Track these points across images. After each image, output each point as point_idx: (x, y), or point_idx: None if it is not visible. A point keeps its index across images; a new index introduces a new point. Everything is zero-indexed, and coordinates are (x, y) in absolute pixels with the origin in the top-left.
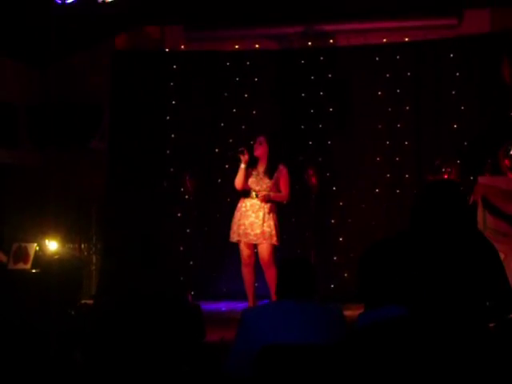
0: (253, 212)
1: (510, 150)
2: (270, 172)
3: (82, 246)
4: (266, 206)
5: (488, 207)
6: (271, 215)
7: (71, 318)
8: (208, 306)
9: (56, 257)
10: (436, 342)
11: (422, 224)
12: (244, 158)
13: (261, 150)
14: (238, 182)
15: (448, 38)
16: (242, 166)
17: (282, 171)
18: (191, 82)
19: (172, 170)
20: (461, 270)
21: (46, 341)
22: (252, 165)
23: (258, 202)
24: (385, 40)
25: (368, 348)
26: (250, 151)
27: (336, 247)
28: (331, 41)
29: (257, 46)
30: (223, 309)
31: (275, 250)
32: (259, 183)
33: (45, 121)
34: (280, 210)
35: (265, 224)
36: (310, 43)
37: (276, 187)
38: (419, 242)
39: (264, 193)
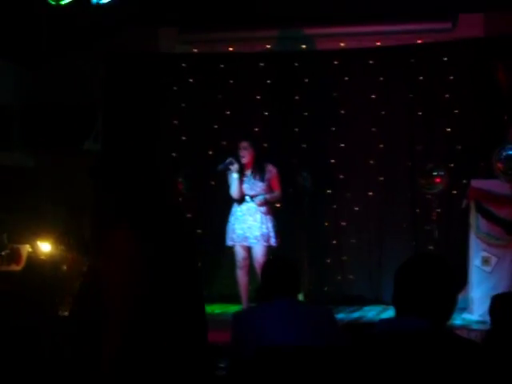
0: (250, 215)
1: (502, 154)
2: (259, 174)
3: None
4: (263, 209)
5: (481, 211)
6: (268, 217)
7: (63, 319)
8: None
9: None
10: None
11: None
12: (234, 167)
13: (248, 156)
14: (235, 191)
15: (442, 42)
16: (235, 175)
17: (272, 171)
18: (185, 83)
19: (166, 171)
20: None
21: (38, 341)
22: (239, 170)
23: (254, 205)
24: (378, 43)
25: (381, 354)
26: (237, 158)
27: (329, 250)
28: (323, 44)
29: (251, 48)
30: (216, 311)
31: (270, 252)
32: (253, 187)
33: (38, 122)
34: (273, 213)
35: (263, 226)
36: (303, 46)
37: (268, 188)
38: None
39: (260, 198)
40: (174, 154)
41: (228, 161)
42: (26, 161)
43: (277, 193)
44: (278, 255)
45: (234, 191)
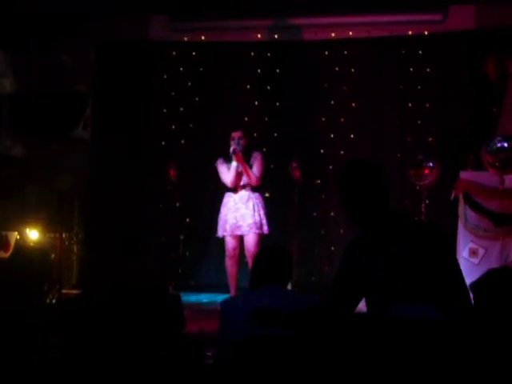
0: (242, 204)
1: (492, 146)
2: (247, 163)
3: (63, 235)
4: (254, 196)
5: (469, 203)
6: (260, 205)
7: (50, 307)
8: (189, 298)
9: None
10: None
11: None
12: (237, 157)
13: (243, 145)
14: (232, 180)
15: (432, 34)
16: (234, 164)
17: (257, 157)
18: (175, 72)
19: (155, 160)
20: None
21: (24, 327)
22: (228, 159)
23: (246, 194)
24: (370, 34)
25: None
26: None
27: (318, 240)
28: (316, 34)
29: (242, 37)
30: (204, 300)
31: (261, 242)
32: (240, 176)
33: (28, 110)
34: (265, 201)
35: (255, 214)
36: (296, 35)
37: None
38: None
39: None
40: (163, 143)
41: (232, 149)
42: (15, 148)
43: (256, 174)
44: (272, 245)
45: (231, 180)
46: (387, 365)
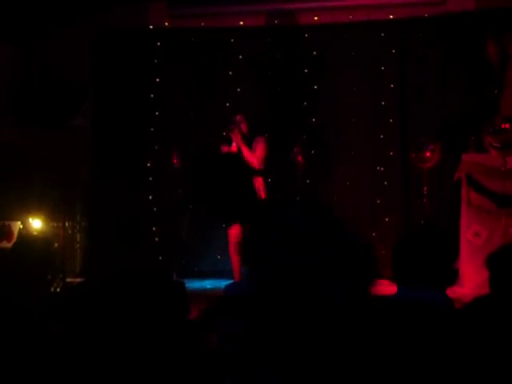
0: None
1: (493, 128)
2: (250, 147)
3: (66, 224)
4: (256, 180)
5: (472, 184)
6: (261, 189)
7: (54, 295)
8: (193, 284)
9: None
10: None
11: None
12: (234, 135)
13: (245, 128)
14: None
15: (433, 16)
16: (234, 145)
17: (260, 141)
18: (175, 59)
19: (156, 147)
20: None
21: (28, 317)
22: (229, 143)
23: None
24: (369, 17)
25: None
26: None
27: None
28: (316, 18)
29: (241, 22)
30: (208, 287)
31: None
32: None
33: (28, 98)
34: (267, 187)
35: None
36: (295, 20)
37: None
38: None
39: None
40: (164, 130)
41: (231, 127)
42: (16, 137)
43: (257, 157)
44: None
45: None
46: (384, 350)
